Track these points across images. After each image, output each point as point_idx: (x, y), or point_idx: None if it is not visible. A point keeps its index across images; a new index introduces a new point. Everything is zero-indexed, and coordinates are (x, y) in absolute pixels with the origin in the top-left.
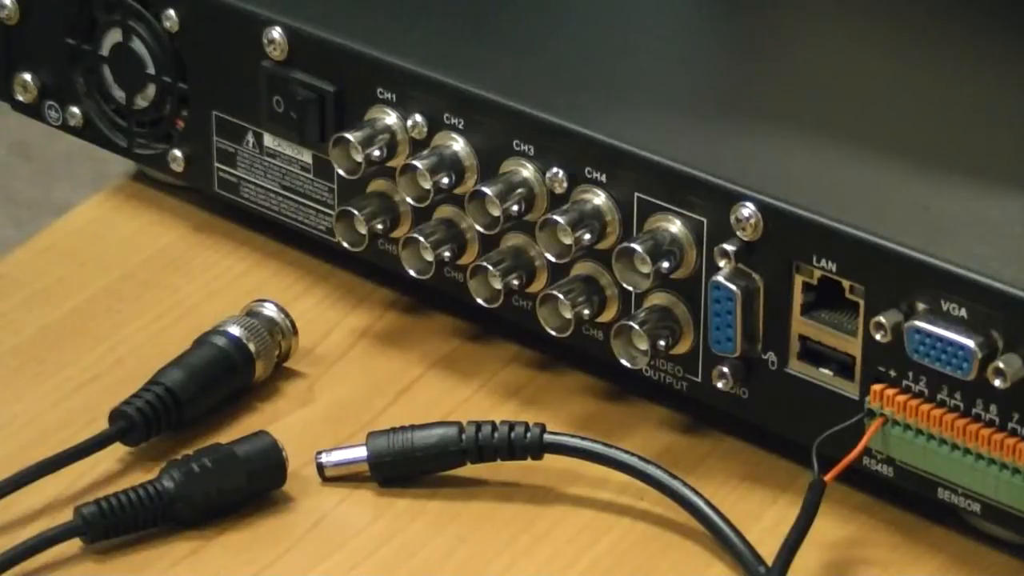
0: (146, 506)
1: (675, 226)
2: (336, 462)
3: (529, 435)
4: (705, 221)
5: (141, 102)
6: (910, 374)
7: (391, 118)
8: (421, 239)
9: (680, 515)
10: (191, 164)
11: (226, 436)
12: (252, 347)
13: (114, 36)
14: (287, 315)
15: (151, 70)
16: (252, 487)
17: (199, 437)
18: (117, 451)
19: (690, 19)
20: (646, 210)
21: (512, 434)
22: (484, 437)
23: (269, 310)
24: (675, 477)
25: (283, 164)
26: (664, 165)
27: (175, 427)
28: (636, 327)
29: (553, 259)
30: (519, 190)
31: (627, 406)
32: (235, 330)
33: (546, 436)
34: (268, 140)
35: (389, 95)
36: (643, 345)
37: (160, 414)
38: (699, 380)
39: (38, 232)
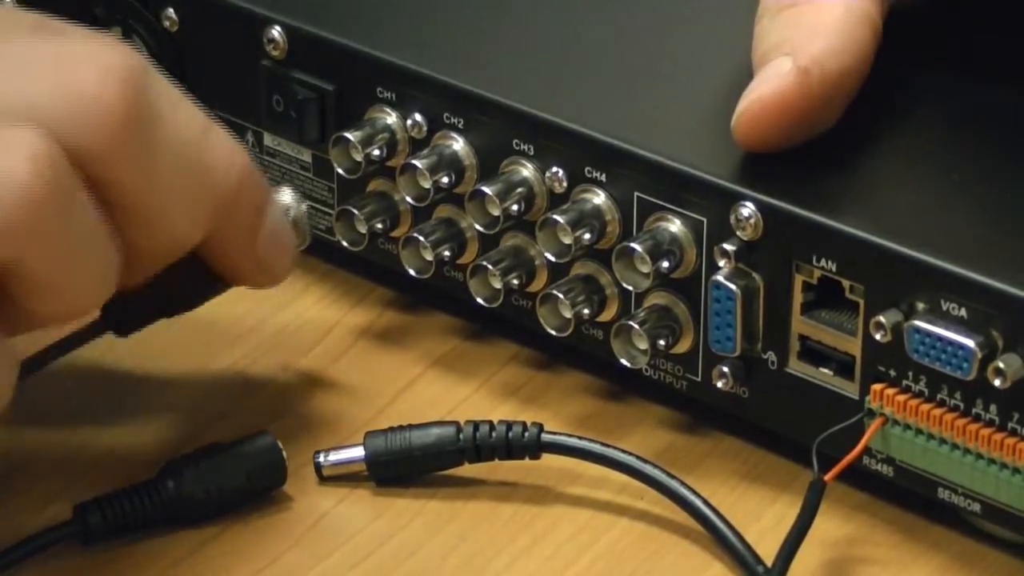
0: (146, 506)
1: (675, 226)
2: (333, 462)
3: (527, 435)
4: (705, 221)
5: None
6: (910, 374)
7: (391, 117)
8: (421, 238)
9: (679, 515)
10: None
11: (226, 435)
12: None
13: (114, 34)
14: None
15: None
16: (252, 486)
17: (199, 436)
18: (116, 449)
19: (691, 19)
20: (646, 209)
21: (510, 434)
22: (482, 437)
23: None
24: (673, 477)
25: (283, 163)
26: (664, 165)
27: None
28: (636, 326)
29: (553, 258)
30: (519, 189)
31: (626, 405)
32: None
33: (544, 436)
34: (268, 139)
35: (389, 94)
36: (643, 344)
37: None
38: (699, 379)
39: None
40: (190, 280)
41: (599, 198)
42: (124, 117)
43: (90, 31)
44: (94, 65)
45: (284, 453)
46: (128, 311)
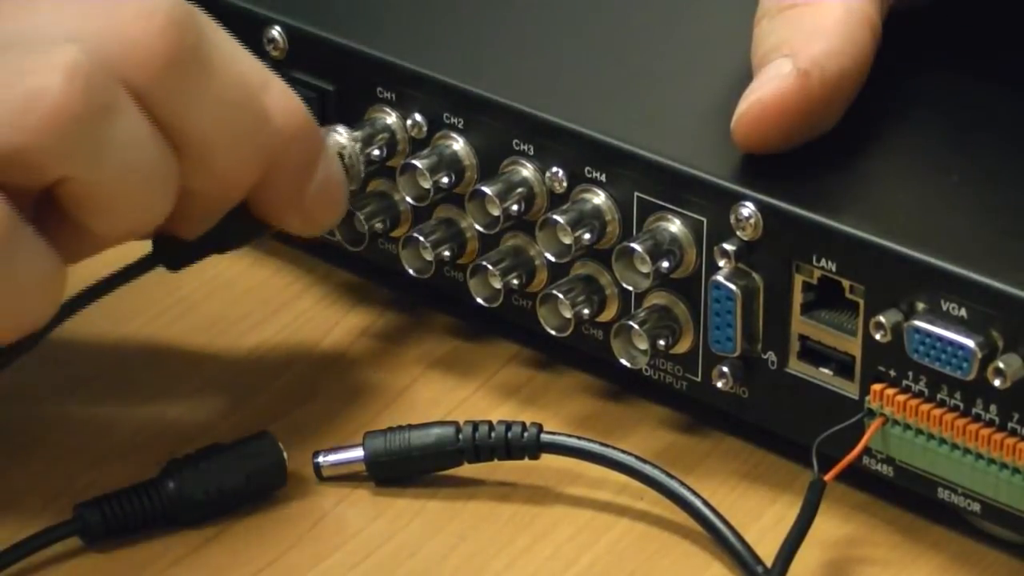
0: (146, 506)
1: (675, 226)
2: (333, 462)
3: (526, 435)
4: (705, 221)
5: None
6: (910, 374)
7: (391, 117)
8: (421, 239)
9: (679, 515)
10: None
11: (226, 435)
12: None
13: None
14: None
15: None
16: (252, 487)
17: (199, 436)
18: (117, 449)
19: (691, 19)
20: (646, 210)
21: (509, 434)
22: (481, 437)
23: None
24: (673, 477)
25: None
26: (664, 165)
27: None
28: (636, 327)
29: (553, 259)
30: (519, 190)
31: (626, 406)
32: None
33: (543, 436)
34: None
35: (389, 94)
36: (643, 345)
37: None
38: (699, 380)
39: None
40: (241, 218)
41: (599, 198)
42: (166, 59)
43: None
44: (138, 7)
45: (285, 454)
46: (179, 246)
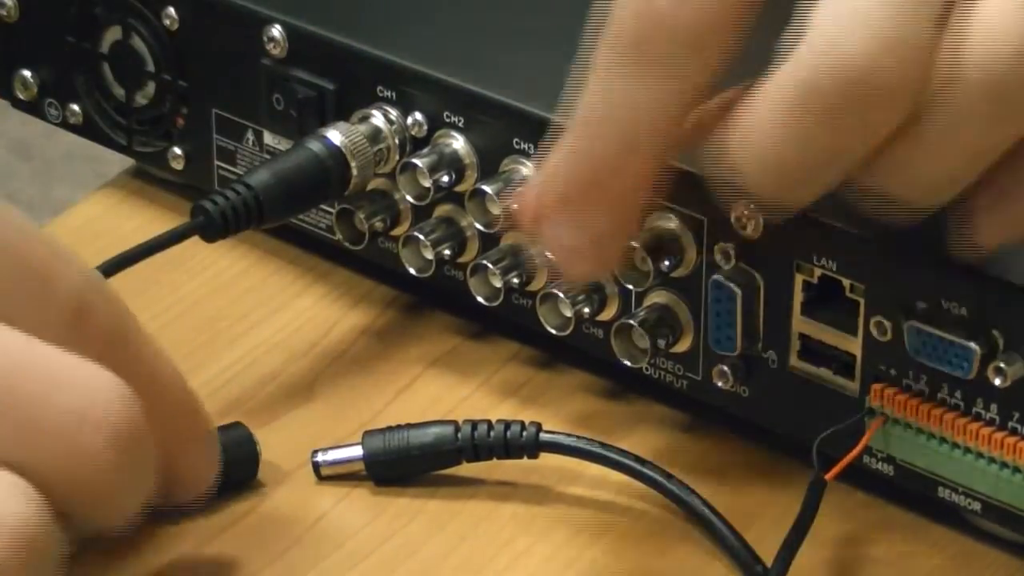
0: None
1: (674, 224)
2: (331, 461)
3: (525, 434)
4: (705, 219)
5: (141, 100)
6: (910, 373)
7: (391, 116)
8: (421, 237)
9: (679, 515)
10: (191, 162)
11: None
12: (351, 159)
13: (114, 34)
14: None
15: (151, 68)
16: (225, 478)
17: None
18: None
19: None
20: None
21: (508, 433)
22: (480, 436)
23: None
24: (671, 477)
25: None
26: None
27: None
28: (636, 326)
29: None
30: (519, 188)
31: (627, 405)
32: (336, 138)
33: (542, 435)
34: (268, 138)
35: (389, 93)
36: (643, 344)
37: (241, 214)
38: (699, 379)
39: None
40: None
41: None
42: None
43: None
44: None
45: (259, 447)
46: (215, 224)
